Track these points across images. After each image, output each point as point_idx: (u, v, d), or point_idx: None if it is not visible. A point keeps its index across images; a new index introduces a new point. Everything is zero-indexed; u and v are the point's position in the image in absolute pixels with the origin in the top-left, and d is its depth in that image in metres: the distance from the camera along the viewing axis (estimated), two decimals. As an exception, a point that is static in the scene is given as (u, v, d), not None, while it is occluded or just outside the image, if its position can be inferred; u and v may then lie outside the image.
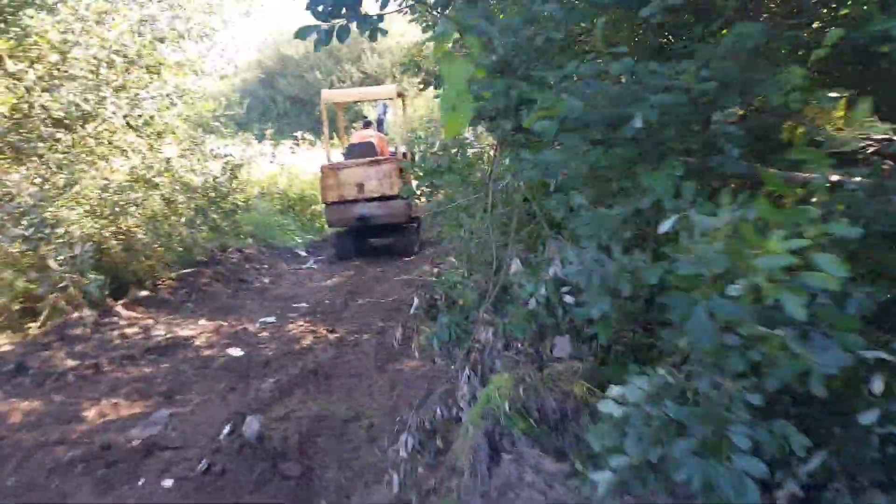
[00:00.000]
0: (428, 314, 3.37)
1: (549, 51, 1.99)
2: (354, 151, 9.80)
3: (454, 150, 4.06)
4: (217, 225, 6.68)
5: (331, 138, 10.28)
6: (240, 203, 7.66)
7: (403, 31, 33.94)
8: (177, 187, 5.94)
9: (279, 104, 32.76)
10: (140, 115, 5.53)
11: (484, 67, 2.01)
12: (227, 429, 3.86)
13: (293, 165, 13.34)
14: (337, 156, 10.53)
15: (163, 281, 6.85)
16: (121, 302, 6.33)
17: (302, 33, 2.05)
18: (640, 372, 1.75)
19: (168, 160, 5.85)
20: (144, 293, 6.50)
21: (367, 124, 10.91)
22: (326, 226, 10.26)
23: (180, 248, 6.46)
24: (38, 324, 5.50)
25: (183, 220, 6.18)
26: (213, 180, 6.46)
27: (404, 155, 10.60)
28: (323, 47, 2.13)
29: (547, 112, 1.69)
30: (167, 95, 5.77)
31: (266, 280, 8.15)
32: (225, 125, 7.66)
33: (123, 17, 5.40)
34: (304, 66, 33.73)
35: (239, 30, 8.86)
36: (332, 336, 5.88)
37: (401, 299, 6.98)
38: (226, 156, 6.87)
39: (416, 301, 3.44)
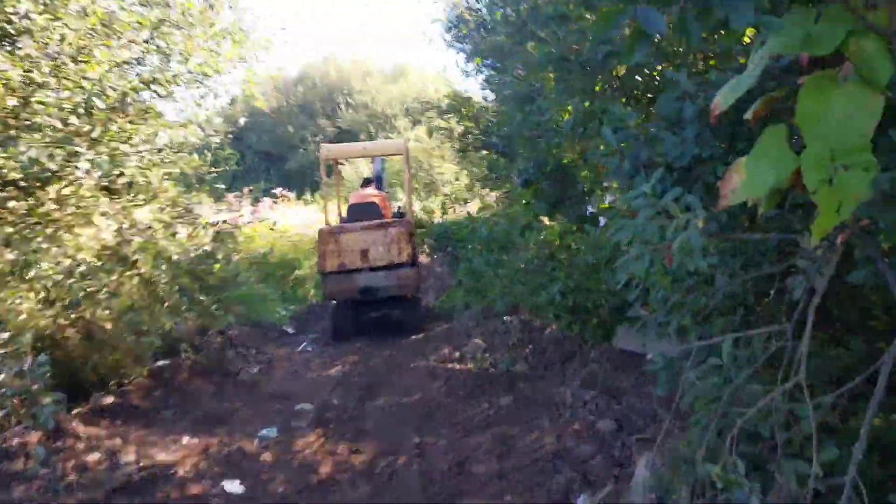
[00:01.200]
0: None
1: None
2: (356, 213, 8.67)
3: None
4: (205, 308, 5.37)
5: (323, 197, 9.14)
6: (228, 277, 6.36)
7: (378, 88, 33.62)
8: (163, 266, 4.66)
9: (248, 159, 31.54)
10: (121, 174, 4.28)
11: None
12: None
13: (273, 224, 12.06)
14: (332, 217, 9.38)
15: (131, 381, 5.43)
16: (77, 412, 4.88)
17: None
18: None
19: (149, 230, 4.58)
20: (109, 399, 5.06)
21: (367, 182, 9.86)
22: (323, 297, 8.98)
23: (159, 343, 5.10)
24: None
25: (166, 306, 4.87)
26: (202, 252, 5.18)
27: (402, 214, 9.57)
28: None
29: None
30: (158, 151, 4.56)
31: (255, 370, 6.77)
32: (210, 184, 6.40)
33: (108, 52, 4.22)
34: (276, 120, 32.76)
35: (234, 75, 7.62)
36: (357, 460, 4.58)
37: (431, 398, 5.73)
38: (218, 223, 5.62)
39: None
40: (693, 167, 2.11)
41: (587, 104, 3.09)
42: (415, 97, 26.05)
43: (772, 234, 2.01)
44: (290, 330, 8.94)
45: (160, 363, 5.82)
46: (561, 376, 5.52)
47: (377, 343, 8.12)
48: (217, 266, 5.58)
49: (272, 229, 7.65)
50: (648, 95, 3.29)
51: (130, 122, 4.68)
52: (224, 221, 5.74)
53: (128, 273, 4.55)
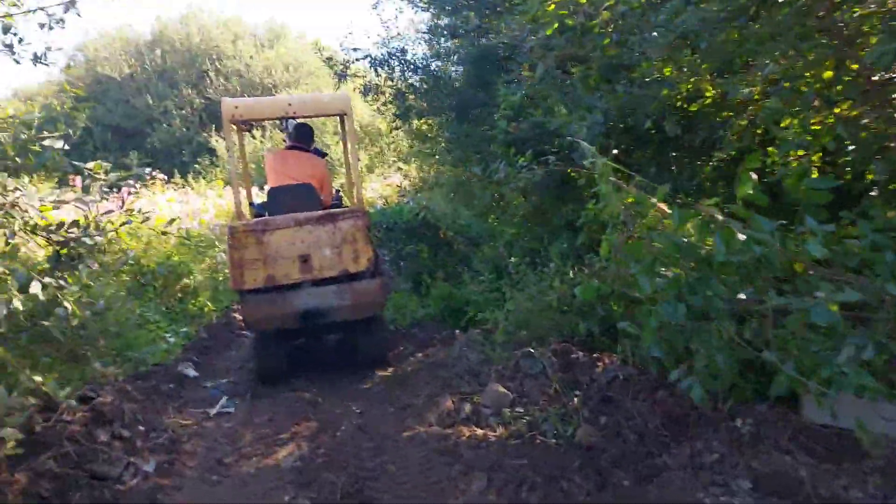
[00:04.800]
0: None
1: None
2: (282, 200, 5.89)
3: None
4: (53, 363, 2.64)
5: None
6: (84, 302, 3.60)
7: (252, 53, 29.46)
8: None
9: (96, 136, 26.23)
10: None
11: None
12: None
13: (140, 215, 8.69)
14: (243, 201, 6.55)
15: None
16: None
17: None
18: None
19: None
20: None
21: (293, 145, 6.74)
22: (244, 325, 6.19)
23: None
24: None
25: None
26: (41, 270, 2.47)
27: (341, 199, 7.09)
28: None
29: None
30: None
31: (150, 467, 3.97)
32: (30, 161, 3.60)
33: None
34: (130, 90, 27.52)
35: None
36: None
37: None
38: (89, 218, 2.84)
39: None
40: None
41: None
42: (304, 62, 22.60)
43: None
44: (191, 372, 6.06)
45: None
46: (689, 460, 3.41)
47: (331, 388, 5.57)
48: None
49: (158, 228, 4.83)
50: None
51: None
52: (76, 224, 2.97)
53: None
